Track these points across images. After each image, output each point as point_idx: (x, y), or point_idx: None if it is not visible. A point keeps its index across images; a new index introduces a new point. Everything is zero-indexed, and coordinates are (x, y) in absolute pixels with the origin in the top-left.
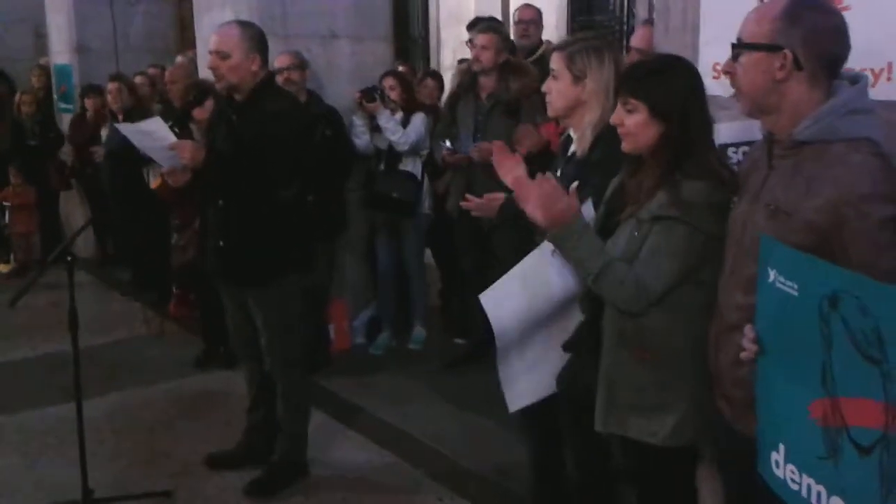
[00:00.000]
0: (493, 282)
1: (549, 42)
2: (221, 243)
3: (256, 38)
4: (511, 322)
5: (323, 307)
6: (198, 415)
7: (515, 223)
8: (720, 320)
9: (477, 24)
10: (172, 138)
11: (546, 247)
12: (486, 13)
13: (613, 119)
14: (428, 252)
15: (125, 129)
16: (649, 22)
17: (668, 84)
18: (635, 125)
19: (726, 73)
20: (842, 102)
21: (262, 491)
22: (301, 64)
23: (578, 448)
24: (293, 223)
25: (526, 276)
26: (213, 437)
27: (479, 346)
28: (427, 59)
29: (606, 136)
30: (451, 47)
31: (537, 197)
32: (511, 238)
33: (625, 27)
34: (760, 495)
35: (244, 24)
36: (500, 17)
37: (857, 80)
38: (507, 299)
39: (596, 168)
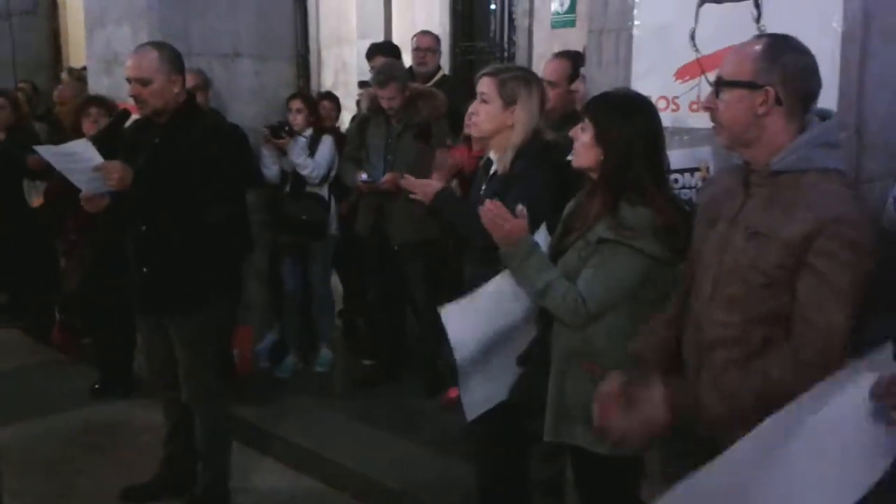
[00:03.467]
0: (401, 302)
1: None
2: (144, 270)
3: (174, 59)
4: (471, 338)
5: (229, 332)
6: (101, 447)
7: (425, 245)
8: (701, 338)
9: (373, 55)
10: (99, 159)
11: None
12: (367, 35)
13: (572, 132)
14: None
15: (45, 151)
16: (560, 55)
17: (619, 120)
18: (582, 144)
19: (707, 108)
20: (815, 135)
21: None
22: (205, 83)
23: (504, 461)
24: (220, 247)
25: (490, 296)
26: (121, 469)
27: (389, 367)
28: (308, 79)
29: (524, 153)
30: (333, 67)
31: (487, 220)
32: (420, 258)
33: (505, 54)
34: None
35: (160, 46)
36: (381, 38)
37: (826, 115)
38: (469, 316)
39: (514, 181)
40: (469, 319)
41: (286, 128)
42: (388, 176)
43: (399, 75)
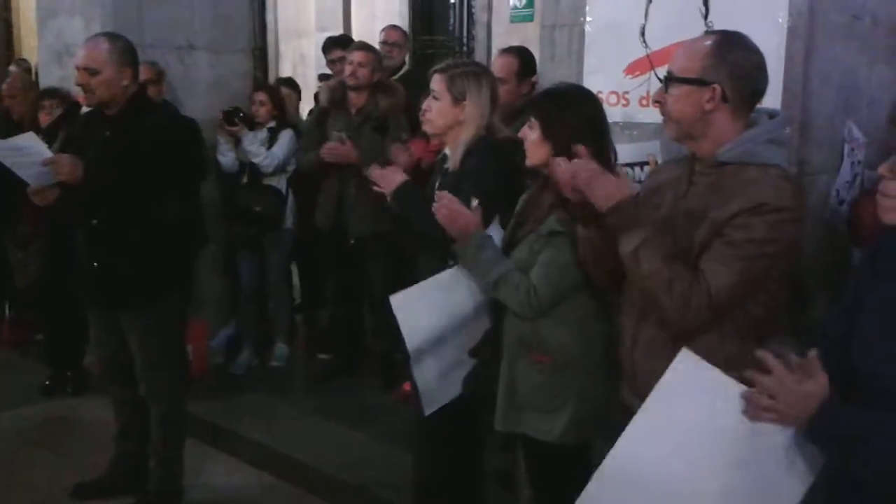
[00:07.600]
0: (360, 296)
1: None
2: (95, 265)
3: (126, 52)
4: (422, 328)
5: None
6: (52, 444)
7: (384, 238)
8: (637, 317)
9: (331, 49)
10: (48, 153)
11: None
12: (326, 27)
13: (520, 133)
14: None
15: None
16: (507, 51)
17: (563, 112)
18: (531, 142)
19: (657, 102)
20: (762, 131)
21: None
22: (158, 76)
23: (458, 451)
24: (174, 240)
25: (442, 288)
26: (73, 466)
27: (346, 361)
28: (265, 72)
29: (475, 149)
30: (291, 60)
31: (441, 215)
32: (378, 252)
33: (464, 48)
34: None
35: (113, 38)
36: (340, 31)
37: (774, 114)
38: (420, 306)
39: (466, 177)
40: (421, 309)
41: (240, 114)
42: (330, 145)
43: (377, 52)
